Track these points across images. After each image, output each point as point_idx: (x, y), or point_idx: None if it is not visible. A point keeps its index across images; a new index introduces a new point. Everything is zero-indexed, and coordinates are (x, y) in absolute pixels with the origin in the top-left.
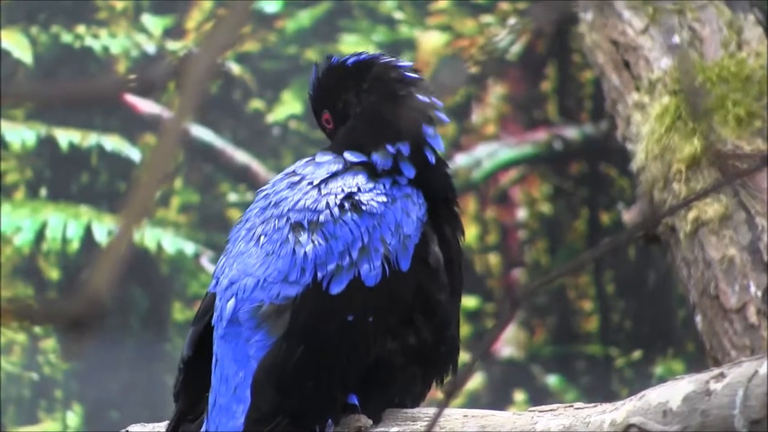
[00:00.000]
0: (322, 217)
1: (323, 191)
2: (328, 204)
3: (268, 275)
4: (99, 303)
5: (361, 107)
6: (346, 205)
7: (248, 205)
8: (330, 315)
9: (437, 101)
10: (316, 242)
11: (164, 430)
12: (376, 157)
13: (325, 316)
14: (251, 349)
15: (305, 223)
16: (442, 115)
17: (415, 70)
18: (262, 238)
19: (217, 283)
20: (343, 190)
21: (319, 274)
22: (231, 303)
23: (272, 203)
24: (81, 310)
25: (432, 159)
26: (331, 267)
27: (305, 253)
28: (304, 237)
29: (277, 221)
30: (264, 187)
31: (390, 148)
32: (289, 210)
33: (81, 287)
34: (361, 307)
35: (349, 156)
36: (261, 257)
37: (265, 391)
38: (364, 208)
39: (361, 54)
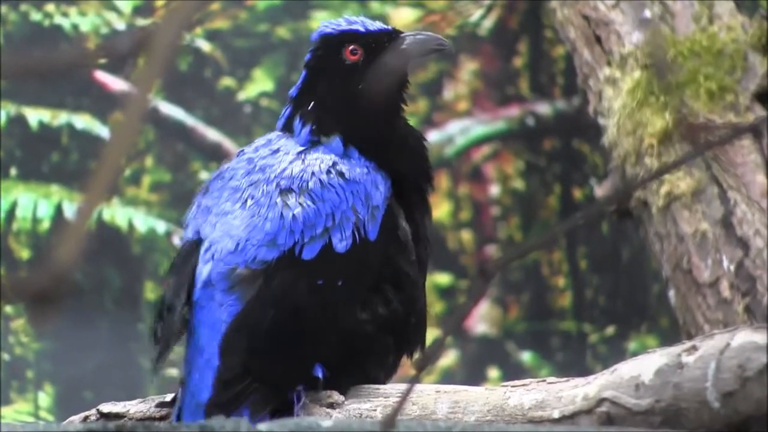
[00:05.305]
0: (311, 183)
1: (307, 160)
2: (314, 171)
3: (251, 237)
4: (64, 278)
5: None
6: (333, 171)
7: None
8: (301, 279)
9: None
10: (304, 204)
11: (135, 407)
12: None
13: (296, 280)
14: (224, 314)
15: (295, 188)
16: None
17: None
18: (249, 201)
19: (195, 232)
20: (324, 160)
21: (307, 236)
22: (208, 266)
23: (257, 168)
24: (46, 285)
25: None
26: (319, 229)
27: (294, 215)
28: (292, 200)
29: (265, 186)
30: (245, 149)
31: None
32: (276, 177)
33: (46, 263)
34: (332, 272)
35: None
36: (246, 219)
37: (234, 352)
38: (347, 175)
39: None
